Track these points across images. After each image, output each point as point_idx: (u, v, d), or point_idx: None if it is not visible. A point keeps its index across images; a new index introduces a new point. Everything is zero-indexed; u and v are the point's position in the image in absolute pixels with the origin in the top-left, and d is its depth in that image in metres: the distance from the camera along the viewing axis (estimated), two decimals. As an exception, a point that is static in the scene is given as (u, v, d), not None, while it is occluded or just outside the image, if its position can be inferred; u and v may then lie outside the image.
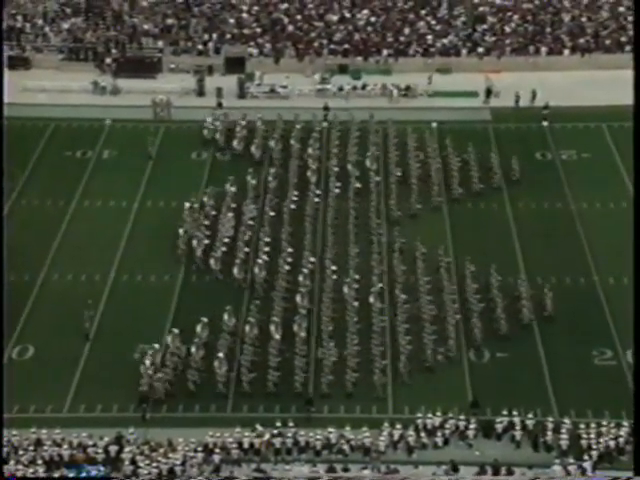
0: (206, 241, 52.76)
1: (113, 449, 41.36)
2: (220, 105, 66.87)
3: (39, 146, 62.92)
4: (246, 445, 41.54)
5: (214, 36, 74.47)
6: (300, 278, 49.41)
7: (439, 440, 41.88)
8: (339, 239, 52.88)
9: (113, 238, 54.37)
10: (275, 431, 41.67)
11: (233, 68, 71.72)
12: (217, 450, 41.23)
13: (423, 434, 41.92)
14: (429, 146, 60.91)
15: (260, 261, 50.73)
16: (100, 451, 41.25)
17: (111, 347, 46.96)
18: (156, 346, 45.61)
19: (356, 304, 47.85)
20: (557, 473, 39.73)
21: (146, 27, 75.01)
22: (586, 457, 40.30)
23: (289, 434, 41.62)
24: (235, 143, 61.84)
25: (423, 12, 76.06)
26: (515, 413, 42.16)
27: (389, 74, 71.46)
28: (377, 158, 59.93)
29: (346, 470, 40.41)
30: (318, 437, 41.46)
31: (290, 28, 75.32)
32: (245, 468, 40.77)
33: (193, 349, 45.44)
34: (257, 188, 57.33)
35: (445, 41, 73.85)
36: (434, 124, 63.69)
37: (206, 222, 54.19)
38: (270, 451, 41.41)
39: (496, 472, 39.90)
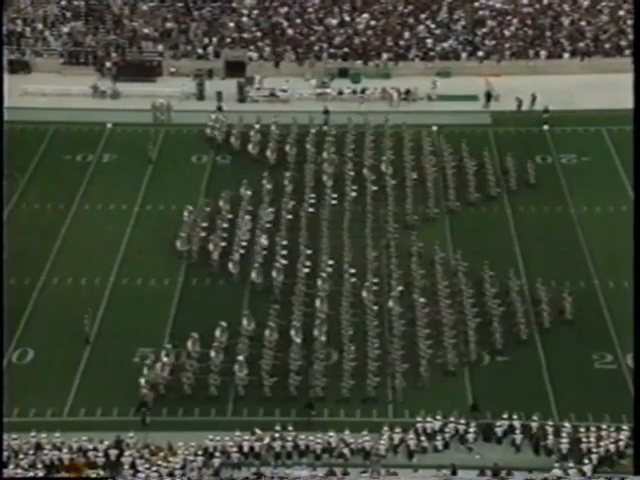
0: (223, 244, 52.68)
1: (113, 453, 41.31)
2: (220, 109, 66.90)
3: (39, 150, 62.96)
4: (246, 449, 41.52)
5: (214, 40, 74.54)
6: (319, 282, 49.45)
7: (439, 444, 41.86)
8: (356, 243, 52.87)
9: (113, 242, 54.40)
10: (276, 434, 41.68)
11: (233, 72, 71.77)
12: (217, 454, 41.20)
13: (423, 438, 41.90)
14: (444, 150, 60.86)
15: (278, 265, 50.72)
16: (100, 455, 41.20)
17: (111, 351, 46.95)
18: (169, 346, 45.65)
19: (375, 308, 47.82)
20: (557, 476, 39.76)
21: (146, 31, 75.06)
22: (586, 461, 40.24)
23: (289, 437, 41.60)
24: (250, 147, 61.83)
25: (423, 16, 76.10)
26: (515, 417, 42.13)
27: (389, 78, 71.53)
28: (392, 162, 59.90)
29: (346, 474, 40.39)
30: (318, 441, 41.44)
31: (290, 32, 75.38)
32: (245, 471, 40.73)
33: (213, 353, 45.34)
34: (271, 192, 57.25)
35: (445, 45, 73.91)
36: (434, 128, 63.69)
37: (224, 225, 54.18)
38: (270, 454, 41.40)
39: (496, 476, 39.87)
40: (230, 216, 55.16)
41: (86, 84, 69.67)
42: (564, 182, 59.05)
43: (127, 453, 41.14)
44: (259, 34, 75.27)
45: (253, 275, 50.30)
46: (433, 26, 75.43)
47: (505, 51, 73.35)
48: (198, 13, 76.99)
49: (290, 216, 55.05)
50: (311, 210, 55.69)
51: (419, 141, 62.13)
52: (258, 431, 41.89)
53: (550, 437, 41.55)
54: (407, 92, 68.76)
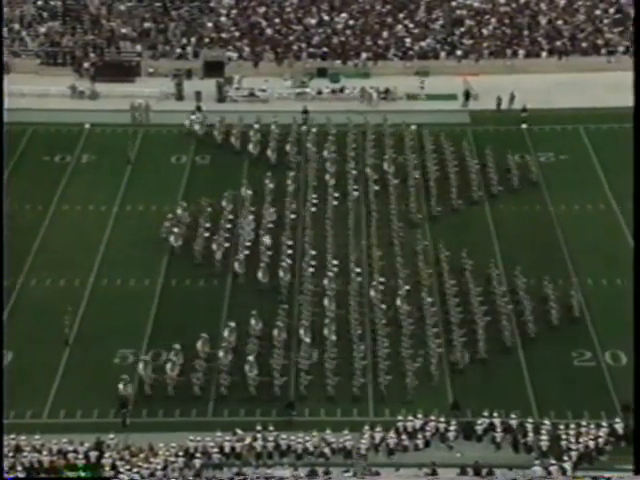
0: (226, 244, 52.66)
1: (93, 455, 41.18)
2: (199, 109, 66.78)
3: (18, 151, 62.63)
4: (227, 449, 41.48)
5: (192, 40, 74.40)
6: (325, 281, 49.48)
7: (420, 442, 41.97)
8: (360, 242, 53.03)
9: (92, 243, 54.21)
10: (258, 434, 41.69)
11: (212, 72, 71.60)
12: (198, 454, 41.15)
13: (404, 436, 41.99)
14: (446, 149, 60.98)
15: (284, 264, 50.71)
16: (80, 457, 41.07)
17: (91, 352, 46.78)
18: (177, 346, 45.46)
19: (384, 307, 47.89)
20: (537, 474, 39.95)
21: (124, 31, 74.80)
22: (566, 458, 40.46)
23: (270, 437, 41.60)
24: (251, 147, 61.81)
25: (401, 15, 76.25)
26: (495, 415, 42.30)
27: (368, 77, 71.63)
28: (394, 161, 59.96)
29: (327, 473, 40.44)
30: (299, 440, 41.47)
31: (269, 32, 75.34)
32: (226, 472, 40.71)
33: (221, 353, 45.26)
34: (273, 191, 57.20)
35: (423, 44, 74.09)
36: (413, 127, 63.82)
37: (228, 225, 54.15)
38: (251, 455, 41.38)
39: (477, 473, 40.03)
40: (231, 216, 55.17)
41: (64, 85, 69.36)
42: (542, 181, 59.22)
43: (107, 454, 41.03)
44: (238, 34, 75.19)
45: (259, 275, 50.24)
46: (411, 25, 75.58)
47: (483, 50, 73.61)
48: (176, 13, 76.80)
49: (293, 216, 55.09)
50: (313, 210, 55.71)
51: (438, 140, 62.20)
52: (239, 431, 41.86)
53: (530, 434, 41.75)
54: (386, 91, 68.90)
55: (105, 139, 64.59)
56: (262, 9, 76.96)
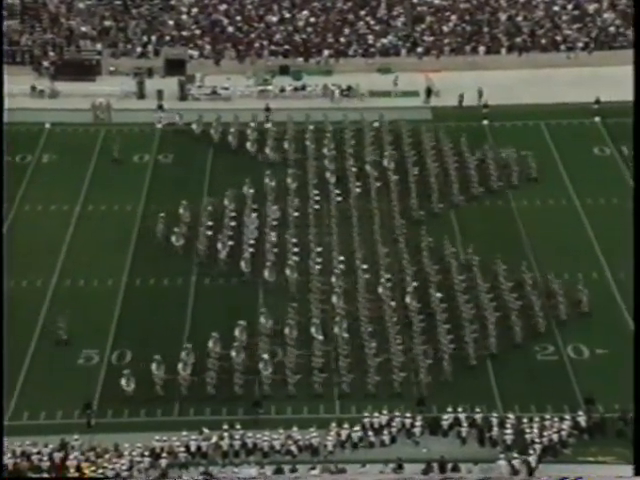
0: (230, 243, 52.48)
1: (58, 456, 40.89)
2: (161, 107, 66.53)
3: (-23, 151, 61.98)
4: (193, 448, 41.38)
5: (153, 38, 74.03)
6: (332, 279, 49.48)
7: (386, 438, 42.12)
8: (365, 239, 53.01)
9: (55, 243, 53.83)
10: (224, 433, 41.62)
11: (173, 70, 71.33)
12: (164, 454, 41.00)
13: (370, 432, 42.14)
14: (445, 145, 61.16)
15: (291, 262, 50.64)
16: (45, 459, 40.76)
17: (54, 353, 46.43)
18: (189, 346, 45.30)
19: (393, 304, 47.94)
20: (502, 468, 40.25)
21: (84, 29, 74.25)
22: (530, 451, 40.80)
23: (237, 436, 41.56)
24: (248, 145, 61.75)
25: (362, 12, 76.40)
26: (460, 410, 42.57)
27: (330, 74, 71.71)
28: (394, 158, 60.04)
29: (294, 471, 40.50)
30: (265, 438, 41.47)
31: (230, 29, 75.17)
32: (193, 471, 40.60)
33: (233, 353, 45.06)
34: (275, 189, 57.28)
35: (385, 41, 74.31)
36: (376, 124, 63.98)
37: (232, 224, 54.04)
38: (218, 453, 41.32)
39: (443, 468, 40.28)
40: (233, 214, 55.03)
41: (23, 84, 68.71)
42: (504, 176, 59.52)
43: (72, 456, 40.74)
44: (199, 32, 74.94)
45: (266, 273, 50.20)
46: (373, 22, 75.78)
47: (444, 47, 73.97)
48: (137, 11, 76.36)
49: (296, 213, 55.04)
50: (317, 207, 55.69)
51: (436, 137, 62.31)
52: (205, 430, 41.77)
53: (495, 429, 42.05)
54: (348, 88, 69.02)
55: (66, 138, 64.16)
56: (223, 7, 76.74)
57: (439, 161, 59.92)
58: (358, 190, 57.25)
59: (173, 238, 52.90)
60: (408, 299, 48.22)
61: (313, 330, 46.42)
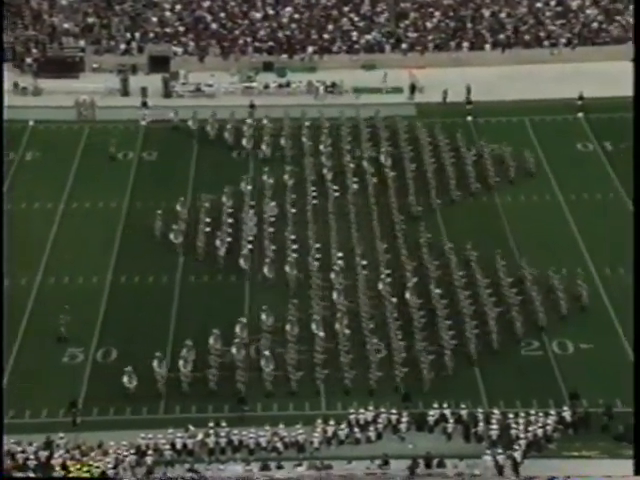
0: (229, 240, 52.41)
1: (43, 455, 40.79)
2: (145, 104, 66.38)
3: (-40, 149, 61.70)
4: (179, 446, 41.36)
5: (137, 35, 73.82)
6: (332, 275, 49.52)
7: (372, 434, 42.21)
8: (364, 235, 53.11)
9: (38, 241, 53.63)
10: (210, 431, 41.63)
11: (157, 67, 71.14)
12: (150, 452, 40.96)
13: (356, 429, 42.20)
14: (441, 141, 61.23)
15: (291, 259, 50.62)
16: (30, 457, 40.63)
17: (39, 351, 46.30)
18: (189, 342, 45.26)
19: (394, 300, 48.00)
20: (488, 463, 40.39)
21: (66, 26, 73.98)
22: (516, 447, 40.95)
23: (222, 433, 41.56)
24: (244, 142, 61.72)
25: (346, 9, 76.41)
26: (445, 405, 42.68)
27: (314, 71, 71.71)
28: (390, 154, 60.08)
29: (280, 468, 40.54)
30: (251, 436, 41.48)
31: (214, 26, 75.04)
32: (178, 469, 40.58)
33: (234, 350, 45.06)
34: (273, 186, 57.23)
35: (369, 37, 74.34)
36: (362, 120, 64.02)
37: (229, 220, 53.94)
38: (204, 451, 41.30)
39: (428, 464, 40.39)
40: (231, 211, 55.00)
41: (6, 81, 68.38)
42: (490, 172, 59.57)
43: (57, 454, 40.65)
44: (182, 29, 74.77)
45: (265, 270, 50.21)
46: (357, 19, 75.79)
47: (428, 43, 74.05)
48: (120, 8, 76.09)
49: (294, 210, 55.02)
50: (315, 202, 55.66)
51: (432, 133, 62.37)
52: (191, 428, 41.75)
53: (480, 424, 42.20)
54: (332, 85, 69.04)
55: (50, 136, 63.94)
56: (206, 3, 76.57)
57: (422, 158, 59.91)
58: (355, 186, 57.26)
59: (171, 235, 52.81)
60: (408, 295, 48.31)
61: (314, 327, 46.45)
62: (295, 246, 52.03)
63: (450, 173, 58.32)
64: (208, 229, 53.30)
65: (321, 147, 60.83)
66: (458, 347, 45.72)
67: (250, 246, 52.23)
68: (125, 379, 43.68)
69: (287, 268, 50.29)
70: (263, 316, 47.15)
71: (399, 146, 61.12)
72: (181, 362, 44.38)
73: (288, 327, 46.53)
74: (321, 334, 46.13)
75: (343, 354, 45.21)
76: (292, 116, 63.96)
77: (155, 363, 44.15)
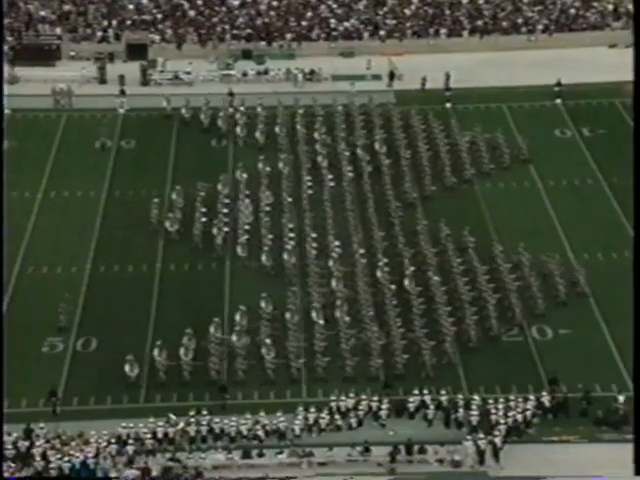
0: (226, 229, 52.27)
1: (23, 445, 40.65)
2: (123, 93, 66.02)
3: None
4: (160, 435, 41.33)
5: (114, 23, 73.36)
6: (330, 263, 49.47)
7: (353, 421, 42.32)
8: (360, 222, 53.15)
9: (17, 230, 53.26)
10: (191, 419, 41.61)
11: (135, 55, 70.79)
12: (130, 441, 40.93)
13: (337, 416, 42.30)
14: (434, 127, 61.18)
15: (288, 247, 50.52)
16: (9, 447, 40.47)
17: (18, 341, 46.06)
18: (190, 331, 45.14)
19: (393, 287, 47.97)
20: (469, 449, 40.60)
21: (43, 13, 73.43)
22: (496, 432, 41.17)
23: (204, 422, 41.55)
24: (238, 130, 61.58)
25: (325, -4, 76.31)
26: (426, 392, 42.85)
27: (293, 58, 71.53)
28: (385, 141, 60.03)
29: (261, 455, 40.60)
30: (232, 424, 41.49)
31: (191, 13, 74.68)
32: (160, 458, 40.56)
33: (234, 337, 44.99)
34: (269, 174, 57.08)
35: (347, 24, 74.20)
36: (340, 107, 63.91)
37: (224, 210, 53.78)
38: (185, 439, 41.28)
39: (409, 451, 40.57)
40: (227, 200, 54.79)
41: (-18, 69, 67.91)
42: (468, 159, 59.65)
43: (38, 444, 40.53)
44: (160, 16, 74.37)
45: (263, 258, 50.13)
46: (335, 6, 75.60)
47: (406, 30, 74.00)
48: (96, -5, 75.64)
49: (290, 198, 54.83)
50: (310, 192, 55.53)
51: (426, 120, 62.28)
52: (172, 416, 41.72)
53: (460, 410, 42.40)
54: (311, 72, 68.92)
55: (27, 124, 63.49)
56: (184, -10, 76.24)
57: (411, 144, 60.02)
58: (351, 175, 57.18)
59: (167, 223, 52.73)
60: (407, 282, 48.34)
61: (314, 315, 46.47)
62: (292, 234, 51.87)
63: (444, 161, 58.19)
64: (204, 219, 53.09)
65: (315, 135, 60.63)
66: (440, 335, 45.86)
67: (247, 236, 52.01)
68: (127, 367, 43.60)
69: (285, 256, 50.22)
70: (263, 303, 47.11)
71: (393, 133, 61.07)
72: (182, 350, 44.15)
73: (288, 315, 46.52)
74: (321, 322, 46.15)
75: (343, 341, 45.22)
76: (270, 105, 63.60)
77: (156, 352, 44.11)
